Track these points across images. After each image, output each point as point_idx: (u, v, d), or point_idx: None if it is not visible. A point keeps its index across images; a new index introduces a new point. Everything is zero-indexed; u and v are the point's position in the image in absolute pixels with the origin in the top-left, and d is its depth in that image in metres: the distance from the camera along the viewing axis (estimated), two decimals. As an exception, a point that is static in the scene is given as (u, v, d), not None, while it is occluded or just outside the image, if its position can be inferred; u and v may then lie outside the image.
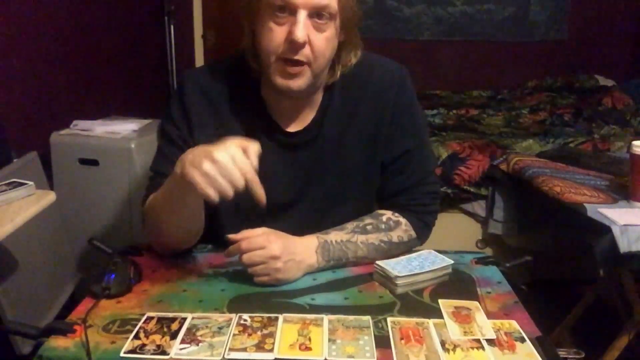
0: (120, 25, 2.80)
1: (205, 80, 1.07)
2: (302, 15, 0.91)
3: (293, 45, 0.92)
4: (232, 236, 0.96)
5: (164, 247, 1.05)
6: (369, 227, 1.05)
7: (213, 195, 0.81)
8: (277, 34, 0.93)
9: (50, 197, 1.36)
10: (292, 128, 1.07)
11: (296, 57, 0.93)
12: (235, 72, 1.06)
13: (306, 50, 0.94)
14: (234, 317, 0.84)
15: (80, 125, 2.06)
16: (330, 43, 0.97)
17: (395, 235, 1.05)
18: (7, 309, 1.49)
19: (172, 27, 3.33)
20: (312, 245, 1.00)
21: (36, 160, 1.82)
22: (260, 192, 0.84)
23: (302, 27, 0.91)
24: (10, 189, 1.29)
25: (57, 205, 1.45)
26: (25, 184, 1.32)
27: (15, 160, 1.72)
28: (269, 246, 0.94)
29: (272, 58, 0.95)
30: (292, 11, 0.92)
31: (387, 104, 1.07)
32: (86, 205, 2.01)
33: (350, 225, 1.04)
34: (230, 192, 0.81)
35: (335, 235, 1.02)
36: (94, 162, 1.98)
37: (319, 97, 1.07)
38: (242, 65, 1.04)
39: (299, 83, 0.96)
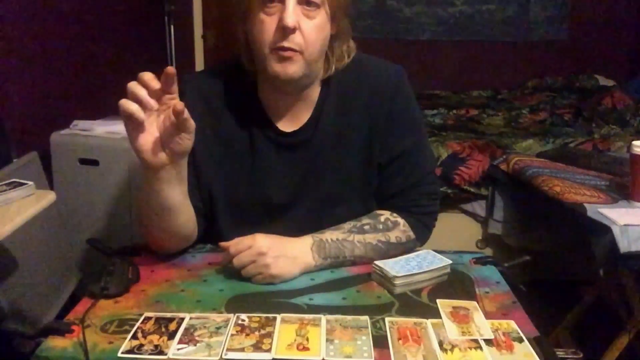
0: (120, 25, 2.80)
1: (203, 84, 1.09)
2: (291, 1, 0.92)
3: (284, 31, 0.93)
4: (222, 244, 0.97)
5: (158, 247, 1.04)
6: (366, 227, 1.04)
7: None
8: (268, 24, 0.94)
9: (50, 197, 1.36)
10: (289, 128, 1.07)
11: (288, 45, 0.94)
12: (232, 75, 1.07)
13: (297, 37, 0.94)
14: (232, 317, 0.84)
15: (80, 125, 2.06)
16: (322, 31, 0.97)
17: (393, 236, 1.05)
18: (7, 309, 1.49)
19: (172, 27, 3.33)
20: (307, 244, 1.00)
21: (36, 160, 1.82)
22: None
23: (292, 12, 0.92)
24: (10, 189, 1.29)
25: (57, 205, 1.45)
26: (25, 184, 1.32)
27: (15, 160, 1.72)
28: (255, 243, 0.95)
29: (266, 50, 0.95)
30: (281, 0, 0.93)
31: (381, 108, 1.06)
32: (86, 205, 2.01)
33: (347, 225, 1.04)
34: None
35: (330, 234, 1.02)
36: (94, 162, 1.98)
37: (314, 95, 1.07)
38: (239, 68, 1.05)
39: (293, 68, 0.96)
